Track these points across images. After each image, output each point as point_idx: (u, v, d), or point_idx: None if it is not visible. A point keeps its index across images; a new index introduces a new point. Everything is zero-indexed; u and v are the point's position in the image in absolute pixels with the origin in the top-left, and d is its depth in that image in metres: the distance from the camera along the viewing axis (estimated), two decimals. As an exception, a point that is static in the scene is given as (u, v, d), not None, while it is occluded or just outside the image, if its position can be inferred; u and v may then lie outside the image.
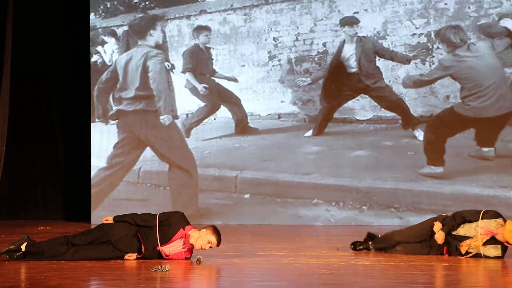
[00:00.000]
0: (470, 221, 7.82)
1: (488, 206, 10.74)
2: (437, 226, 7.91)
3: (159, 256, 7.58)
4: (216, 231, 7.59)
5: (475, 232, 7.75)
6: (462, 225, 7.84)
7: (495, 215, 7.81)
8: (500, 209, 10.78)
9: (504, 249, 7.76)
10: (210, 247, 7.56)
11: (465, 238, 7.80)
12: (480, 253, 7.73)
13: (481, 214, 7.81)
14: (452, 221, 7.88)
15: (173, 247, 7.60)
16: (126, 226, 7.64)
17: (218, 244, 7.60)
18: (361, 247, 8.35)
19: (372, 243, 8.32)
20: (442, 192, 11.17)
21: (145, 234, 7.59)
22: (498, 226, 7.68)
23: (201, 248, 7.54)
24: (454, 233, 7.87)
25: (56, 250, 7.54)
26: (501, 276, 7.07)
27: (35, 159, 12.18)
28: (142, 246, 7.57)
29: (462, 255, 7.77)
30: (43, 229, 10.64)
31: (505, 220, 7.73)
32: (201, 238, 7.54)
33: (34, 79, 12.12)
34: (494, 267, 7.41)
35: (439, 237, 7.85)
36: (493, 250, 7.73)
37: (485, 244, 7.72)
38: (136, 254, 7.57)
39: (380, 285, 6.47)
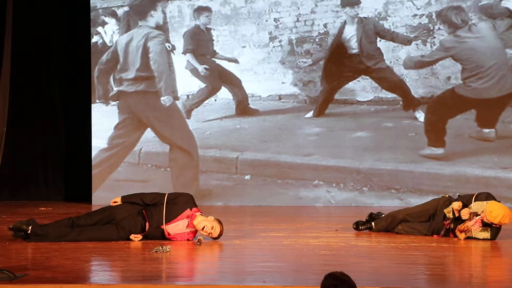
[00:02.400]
0: (465, 205, 7.82)
1: (489, 188, 10.77)
2: (456, 204, 7.88)
3: (162, 235, 7.61)
4: (221, 224, 7.68)
5: (469, 216, 7.76)
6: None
7: (486, 197, 7.79)
8: (500, 190, 10.84)
9: (495, 231, 7.72)
10: (211, 233, 7.60)
11: (462, 221, 7.80)
12: (472, 236, 7.76)
13: (473, 197, 7.82)
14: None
15: (177, 227, 7.63)
16: (130, 206, 7.66)
17: (218, 237, 7.64)
18: (363, 227, 8.37)
19: (374, 223, 8.34)
20: (442, 174, 11.17)
21: (150, 212, 7.62)
22: (485, 209, 7.67)
23: (203, 230, 7.57)
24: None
25: (61, 232, 7.57)
26: (495, 257, 7.09)
27: (36, 141, 12.18)
28: (147, 223, 7.59)
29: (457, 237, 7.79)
30: (44, 210, 10.66)
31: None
32: (207, 221, 7.61)
33: (34, 61, 12.09)
34: (491, 247, 7.43)
35: (465, 212, 7.83)
36: (483, 233, 7.71)
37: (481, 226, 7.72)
38: (141, 234, 7.60)
39: (380, 265, 6.49)
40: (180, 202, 7.64)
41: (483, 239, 7.68)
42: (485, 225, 7.70)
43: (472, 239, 7.74)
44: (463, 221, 7.79)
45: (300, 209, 11.10)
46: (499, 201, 7.80)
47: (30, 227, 7.53)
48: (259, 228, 8.86)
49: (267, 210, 10.97)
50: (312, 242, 7.70)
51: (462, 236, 7.76)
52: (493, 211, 7.57)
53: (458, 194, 8.41)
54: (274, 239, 7.97)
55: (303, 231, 8.57)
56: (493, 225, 7.66)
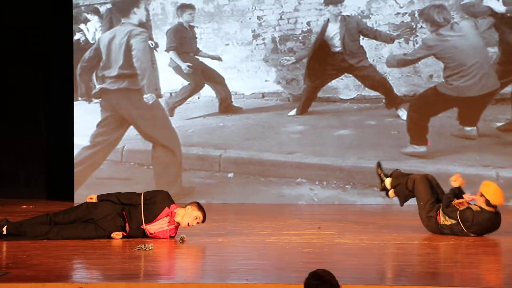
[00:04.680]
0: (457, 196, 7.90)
1: (470, 185, 10.79)
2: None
3: (144, 234, 7.58)
4: (200, 206, 7.62)
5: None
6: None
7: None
8: (482, 188, 10.86)
9: (481, 216, 7.64)
10: (197, 222, 7.57)
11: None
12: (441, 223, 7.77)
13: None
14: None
15: (158, 226, 7.61)
16: (110, 205, 7.63)
17: (204, 220, 7.62)
18: (382, 173, 8.39)
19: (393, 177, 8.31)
20: (425, 171, 11.18)
21: (129, 212, 7.58)
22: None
23: (189, 225, 7.54)
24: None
25: (39, 230, 7.51)
26: (476, 254, 7.13)
27: (17, 138, 12.11)
28: (127, 224, 7.57)
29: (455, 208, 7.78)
30: (26, 208, 10.61)
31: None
32: (187, 215, 7.54)
33: (15, 58, 12.03)
34: (475, 245, 7.46)
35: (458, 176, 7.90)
36: (472, 206, 7.73)
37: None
38: (122, 232, 7.57)
39: (363, 263, 6.51)
40: (158, 202, 7.61)
41: (461, 212, 7.66)
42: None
43: (450, 236, 7.76)
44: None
45: (283, 207, 11.11)
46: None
47: (5, 228, 7.46)
48: (242, 226, 8.86)
49: (250, 208, 10.97)
50: (295, 240, 7.70)
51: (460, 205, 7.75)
52: (487, 186, 7.61)
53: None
54: (257, 237, 7.97)
55: (286, 229, 8.57)
56: (488, 206, 7.61)
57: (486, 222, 7.69)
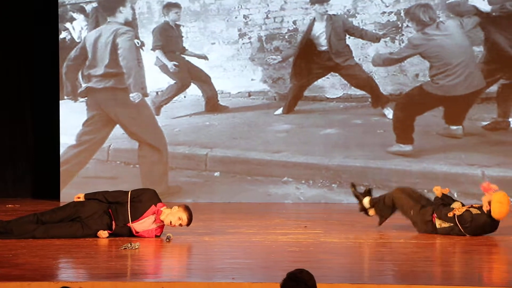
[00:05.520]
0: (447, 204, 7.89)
1: (456, 184, 10.88)
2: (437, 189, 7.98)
3: (130, 232, 7.57)
4: (187, 209, 7.58)
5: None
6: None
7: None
8: (467, 186, 10.95)
9: (479, 219, 7.67)
10: (180, 224, 7.54)
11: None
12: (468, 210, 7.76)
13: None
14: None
15: (144, 224, 7.60)
16: (97, 204, 7.62)
17: (188, 223, 7.59)
18: (358, 193, 8.36)
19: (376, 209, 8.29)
20: (410, 170, 11.25)
21: (116, 210, 7.57)
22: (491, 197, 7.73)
23: (171, 224, 7.52)
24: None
25: (26, 228, 7.50)
26: (463, 253, 7.16)
27: (3, 137, 12.06)
28: (113, 222, 7.56)
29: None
30: (12, 207, 10.57)
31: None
32: (172, 214, 7.53)
33: (0, 57, 11.97)
34: (462, 244, 7.49)
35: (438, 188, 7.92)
36: (472, 209, 7.73)
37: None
38: (108, 231, 7.56)
39: (349, 262, 6.52)
40: (144, 200, 7.60)
41: (461, 216, 7.67)
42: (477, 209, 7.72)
43: (437, 235, 7.78)
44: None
45: (269, 205, 11.11)
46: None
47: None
48: (229, 224, 8.86)
49: (237, 207, 10.97)
50: (281, 239, 7.71)
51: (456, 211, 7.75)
52: (499, 194, 7.61)
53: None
54: (243, 235, 7.97)
55: (272, 227, 8.58)
56: (486, 209, 7.62)
57: (484, 225, 7.74)
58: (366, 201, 8.34)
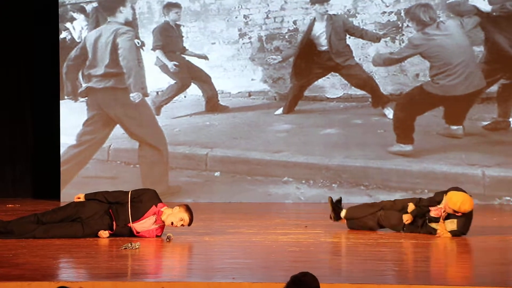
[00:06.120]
0: (438, 202, 7.84)
1: (456, 184, 10.81)
2: (410, 207, 7.90)
3: (130, 233, 7.57)
4: (188, 210, 7.58)
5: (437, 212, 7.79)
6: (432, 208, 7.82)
7: (446, 191, 7.79)
8: (468, 186, 10.90)
9: (462, 221, 7.65)
10: (182, 225, 7.55)
11: (436, 219, 7.79)
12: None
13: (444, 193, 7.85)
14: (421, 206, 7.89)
15: (144, 224, 7.59)
16: (97, 204, 7.62)
17: (189, 223, 7.59)
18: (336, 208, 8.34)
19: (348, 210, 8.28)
20: (411, 170, 11.25)
21: (116, 210, 7.56)
22: (445, 201, 7.69)
23: (172, 225, 7.52)
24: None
25: (26, 228, 7.50)
26: (463, 253, 7.16)
27: (3, 137, 12.06)
28: (114, 222, 7.55)
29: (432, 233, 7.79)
30: (12, 207, 10.57)
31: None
32: (173, 214, 7.53)
33: (1, 57, 11.97)
34: (462, 244, 7.49)
35: (407, 218, 7.87)
36: (450, 225, 7.70)
37: (446, 219, 7.73)
38: (109, 231, 7.55)
39: (349, 262, 6.52)
40: (145, 200, 7.59)
41: (452, 231, 7.66)
42: (450, 216, 7.68)
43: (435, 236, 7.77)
44: (433, 218, 7.80)
45: (270, 205, 11.11)
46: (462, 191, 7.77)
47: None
48: (229, 224, 8.86)
49: (237, 207, 10.97)
50: (282, 239, 7.71)
51: (440, 229, 7.71)
52: (452, 197, 7.58)
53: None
54: (243, 235, 7.97)
55: (272, 227, 8.58)
56: (456, 213, 7.63)
57: (469, 221, 7.72)
58: (343, 213, 8.33)
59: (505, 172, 11.06)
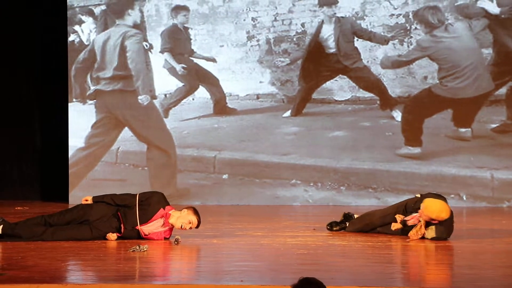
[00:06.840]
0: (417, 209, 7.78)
1: (465, 187, 10.87)
2: (399, 218, 7.86)
3: (138, 235, 7.58)
4: (196, 212, 7.62)
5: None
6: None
7: (424, 196, 7.73)
8: (476, 189, 10.94)
9: (439, 229, 7.57)
10: (190, 227, 7.57)
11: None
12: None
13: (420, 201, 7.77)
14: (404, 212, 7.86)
15: (152, 227, 7.60)
16: (105, 207, 7.63)
17: (198, 225, 7.61)
18: (337, 227, 8.35)
19: (349, 223, 8.32)
20: (419, 173, 11.23)
21: (124, 213, 7.57)
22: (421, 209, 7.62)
23: (182, 228, 7.54)
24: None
25: (34, 231, 7.51)
26: (474, 254, 7.14)
27: (12, 139, 12.10)
28: (122, 225, 7.57)
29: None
30: (20, 210, 10.59)
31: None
32: (182, 217, 7.54)
33: (10, 59, 12.01)
34: (471, 247, 7.47)
35: (396, 226, 7.84)
36: (429, 232, 7.64)
37: (426, 226, 7.66)
38: (117, 233, 7.57)
39: (357, 264, 6.52)
40: (153, 203, 7.60)
41: (432, 239, 7.59)
42: (428, 224, 7.61)
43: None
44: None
45: (278, 208, 11.11)
46: (440, 198, 7.71)
47: (0, 228, 7.46)
48: (237, 227, 8.86)
49: (245, 209, 10.97)
50: (290, 241, 7.71)
51: (414, 235, 7.65)
52: (428, 206, 7.50)
53: (417, 194, 8.22)
54: (251, 238, 7.97)
55: (280, 230, 8.57)
56: (433, 221, 7.59)
57: (448, 226, 7.66)
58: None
59: (514, 174, 11.04)
